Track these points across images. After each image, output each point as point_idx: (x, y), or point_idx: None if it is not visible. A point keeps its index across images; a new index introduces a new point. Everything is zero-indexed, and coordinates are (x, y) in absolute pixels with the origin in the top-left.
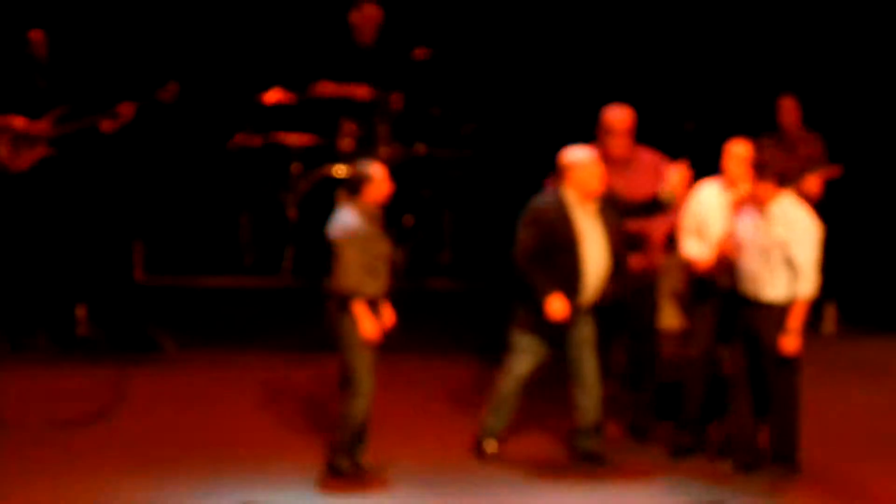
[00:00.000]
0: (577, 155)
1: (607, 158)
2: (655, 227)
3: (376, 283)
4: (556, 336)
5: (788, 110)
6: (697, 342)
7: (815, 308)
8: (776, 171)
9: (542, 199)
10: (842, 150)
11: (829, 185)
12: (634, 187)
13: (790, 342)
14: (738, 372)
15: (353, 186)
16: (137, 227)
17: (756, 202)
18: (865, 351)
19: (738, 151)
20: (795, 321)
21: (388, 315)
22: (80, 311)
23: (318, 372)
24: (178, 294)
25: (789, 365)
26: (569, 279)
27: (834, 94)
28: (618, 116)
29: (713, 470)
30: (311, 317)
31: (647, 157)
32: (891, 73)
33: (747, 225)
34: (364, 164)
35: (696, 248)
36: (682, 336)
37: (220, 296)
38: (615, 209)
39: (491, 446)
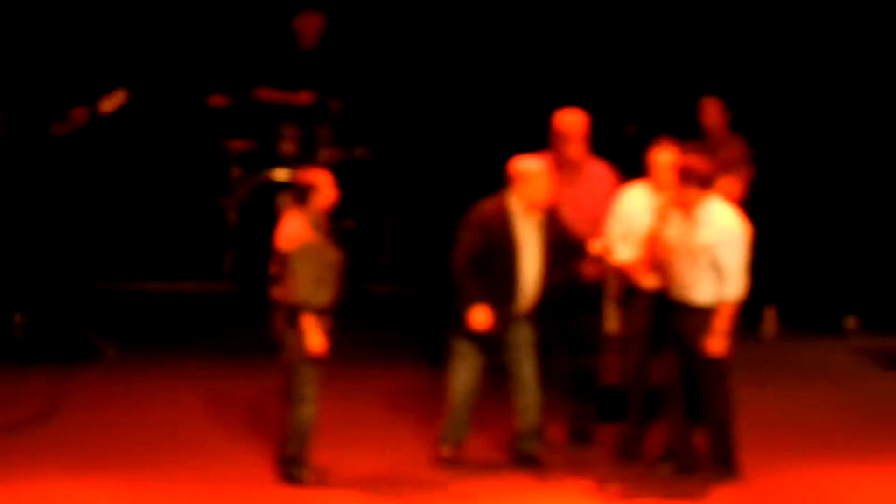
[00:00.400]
0: (528, 164)
1: (561, 164)
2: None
3: (326, 293)
4: (491, 341)
5: (711, 112)
6: (632, 348)
7: (755, 311)
8: (701, 174)
9: (486, 205)
10: (780, 153)
11: (770, 189)
12: (585, 194)
13: (716, 344)
14: (672, 376)
15: (300, 194)
16: (76, 232)
17: (682, 206)
18: (805, 354)
19: (663, 157)
20: (722, 323)
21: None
22: (18, 317)
23: (258, 377)
24: (117, 298)
25: (717, 368)
26: (503, 287)
27: (767, 96)
28: (572, 121)
29: (654, 474)
30: (251, 321)
31: (598, 166)
32: (819, 74)
33: (674, 229)
34: (309, 172)
35: (625, 253)
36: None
37: (160, 300)
38: (558, 223)
39: (446, 451)
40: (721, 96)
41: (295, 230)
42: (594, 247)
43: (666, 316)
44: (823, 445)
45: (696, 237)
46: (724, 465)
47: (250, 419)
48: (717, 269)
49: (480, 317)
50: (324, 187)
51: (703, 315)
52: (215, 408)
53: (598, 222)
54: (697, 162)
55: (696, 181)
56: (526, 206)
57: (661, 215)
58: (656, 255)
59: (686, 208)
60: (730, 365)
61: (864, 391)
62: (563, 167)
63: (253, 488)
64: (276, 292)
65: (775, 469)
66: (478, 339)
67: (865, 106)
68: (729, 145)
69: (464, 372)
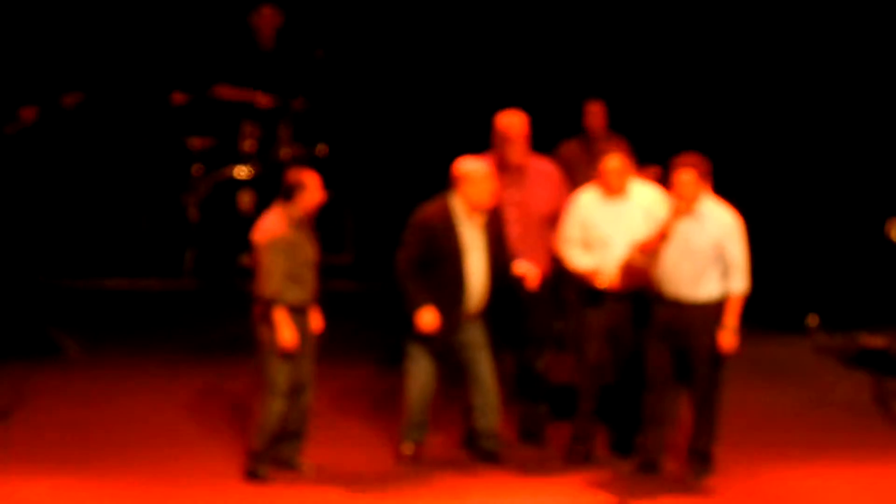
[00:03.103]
0: (471, 166)
1: (503, 165)
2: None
3: (301, 290)
4: (440, 343)
5: (594, 114)
6: (590, 348)
7: None
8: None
9: (429, 208)
10: (741, 152)
11: (731, 188)
12: (529, 195)
13: (727, 339)
14: (659, 370)
15: (286, 192)
16: (38, 229)
17: (686, 203)
18: (768, 351)
19: (613, 165)
20: (732, 318)
21: (317, 322)
22: None
23: (218, 374)
24: (78, 296)
25: (719, 364)
26: (451, 289)
27: (728, 95)
28: (513, 123)
29: (616, 471)
30: (212, 318)
31: (542, 164)
32: (783, 74)
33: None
34: (298, 171)
35: (584, 259)
36: (570, 340)
37: (121, 297)
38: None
39: (408, 448)
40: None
41: (270, 224)
42: (518, 268)
43: (642, 313)
44: (786, 443)
45: (701, 234)
46: (702, 460)
47: (212, 415)
48: (722, 263)
49: (427, 318)
50: (311, 187)
51: (706, 312)
52: (178, 404)
53: (545, 222)
54: (696, 158)
55: (703, 178)
56: (469, 208)
57: (673, 217)
58: (642, 256)
59: (689, 206)
60: (724, 365)
61: (827, 389)
62: (507, 168)
63: (215, 486)
64: (252, 285)
65: (741, 466)
66: (428, 340)
67: (825, 104)
68: (610, 146)
69: (418, 373)
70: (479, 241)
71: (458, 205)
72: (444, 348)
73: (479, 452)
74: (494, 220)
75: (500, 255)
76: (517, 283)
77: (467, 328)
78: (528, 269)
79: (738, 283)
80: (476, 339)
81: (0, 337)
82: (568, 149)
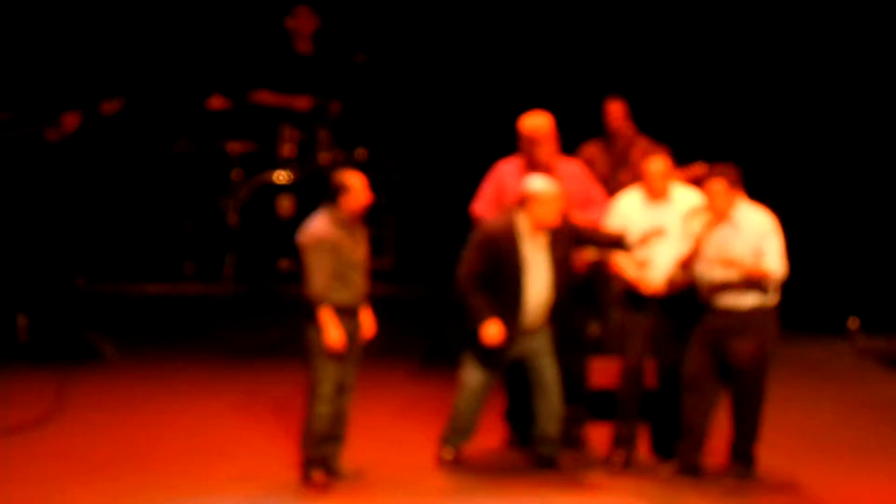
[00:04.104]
0: (539, 186)
1: (532, 167)
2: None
3: (348, 292)
4: (500, 355)
5: (614, 113)
6: (632, 352)
7: None
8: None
9: (494, 224)
10: (783, 153)
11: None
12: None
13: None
14: (699, 375)
15: (332, 193)
16: (78, 234)
17: (720, 213)
18: (809, 354)
19: (655, 166)
20: (755, 274)
21: (368, 325)
22: (21, 319)
23: (258, 378)
24: (118, 301)
25: (763, 367)
26: (508, 305)
27: (770, 97)
28: (540, 124)
29: (657, 475)
30: (251, 323)
31: (570, 165)
32: (822, 75)
33: (714, 237)
34: (344, 173)
35: (625, 262)
36: (609, 344)
37: (160, 302)
38: (568, 239)
39: (448, 454)
40: (728, 96)
41: (314, 225)
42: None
43: (688, 318)
44: (827, 445)
45: (738, 240)
46: (745, 463)
47: (254, 420)
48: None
49: (493, 331)
50: (355, 189)
51: (749, 318)
52: (218, 409)
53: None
54: (725, 167)
55: (736, 185)
56: (534, 227)
57: (709, 226)
58: (689, 270)
59: (721, 216)
60: (768, 369)
61: (868, 392)
62: (535, 169)
63: (258, 491)
64: (300, 288)
65: (783, 470)
66: (487, 353)
67: (869, 107)
68: (637, 146)
69: (471, 384)
70: (541, 259)
71: (523, 222)
72: (501, 361)
73: (536, 457)
74: (563, 238)
75: (564, 273)
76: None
77: (532, 337)
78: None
79: (773, 263)
80: (541, 347)
81: (40, 342)
82: (589, 150)
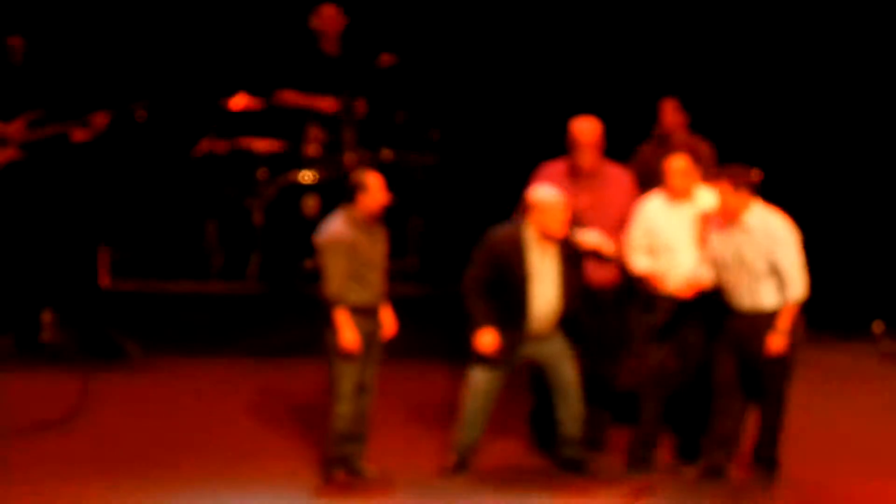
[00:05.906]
0: (543, 194)
1: (575, 171)
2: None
3: (365, 292)
4: (499, 363)
5: (668, 113)
6: (652, 353)
7: None
8: (748, 180)
9: (501, 231)
10: (806, 156)
11: (797, 193)
12: (601, 201)
13: (777, 342)
14: (727, 379)
15: (350, 192)
16: (103, 232)
17: (730, 215)
18: (834, 357)
19: (676, 164)
20: (784, 323)
21: (389, 324)
22: (46, 316)
23: (282, 377)
24: (143, 299)
25: (782, 371)
26: (513, 313)
27: (793, 99)
28: (585, 128)
29: (681, 477)
30: (276, 322)
31: (614, 170)
32: (848, 76)
33: (722, 239)
34: (363, 172)
35: (642, 262)
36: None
37: (185, 301)
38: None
39: (454, 459)
40: (749, 98)
41: (331, 225)
42: (587, 239)
43: (712, 319)
44: (852, 449)
45: (751, 246)
46: (769, 465)
47: (278, 418)
48: (776, 273)
49: (486, 339)
50: (373, 189)
51: (771, 320)
52: (242, 407)
53: (618, 228)
54: (735, 168)
55: (745, 188)
56: (540, 236)
57: (705, 226)
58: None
59: (734, 217)
60: (791, 371)
61: (892, 396)
62: (579, 174)
63: (282, 490)
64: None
65: (807, 473)
66: (486, 360)
67: (893, 108)
68: (693, 147)
69: (476, 391)
70: (549, 268)
71: (530, 231)
72: (506, 364)
73: (562, 460)
74: (572, 247)
75: (574, 282)
76: (585, 288)
77: (545, 343)
78: (599, 241)
79: (793, 290)
80: (557, 351)
81: (65, 340)
82: (645, 153)
